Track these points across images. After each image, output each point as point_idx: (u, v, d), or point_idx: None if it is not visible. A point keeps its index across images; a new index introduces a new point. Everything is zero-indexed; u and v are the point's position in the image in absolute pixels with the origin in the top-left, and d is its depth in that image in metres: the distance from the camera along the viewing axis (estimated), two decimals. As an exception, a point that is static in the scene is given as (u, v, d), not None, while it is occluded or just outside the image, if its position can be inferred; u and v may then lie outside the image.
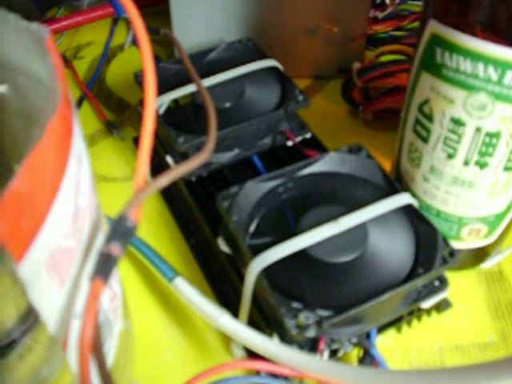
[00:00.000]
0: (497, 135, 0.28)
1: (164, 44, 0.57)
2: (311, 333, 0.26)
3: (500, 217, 0.32)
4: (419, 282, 0.28)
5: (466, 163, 0.29)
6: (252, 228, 0.31)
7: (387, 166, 0.35)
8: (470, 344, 0.33)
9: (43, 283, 0.17)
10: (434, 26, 0.27)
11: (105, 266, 0.18)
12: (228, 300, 0.34)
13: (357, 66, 0.45)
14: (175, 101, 0.38)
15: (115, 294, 0.26)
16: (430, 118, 0.29)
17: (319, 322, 0.26)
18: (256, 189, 0.32)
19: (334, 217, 0.29)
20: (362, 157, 0.33)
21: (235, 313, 0.30)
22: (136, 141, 0.45)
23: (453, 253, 0.28)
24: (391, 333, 0.33)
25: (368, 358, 0.29)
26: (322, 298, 0.27)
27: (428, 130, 0.30)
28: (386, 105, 0.45)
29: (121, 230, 0.18)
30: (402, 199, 0.31)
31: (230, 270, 0.33)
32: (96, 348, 0.18)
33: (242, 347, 0.31)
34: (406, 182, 0.34)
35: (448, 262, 0.28)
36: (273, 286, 0.27)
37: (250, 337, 0.27)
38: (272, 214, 0.32)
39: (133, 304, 0.31)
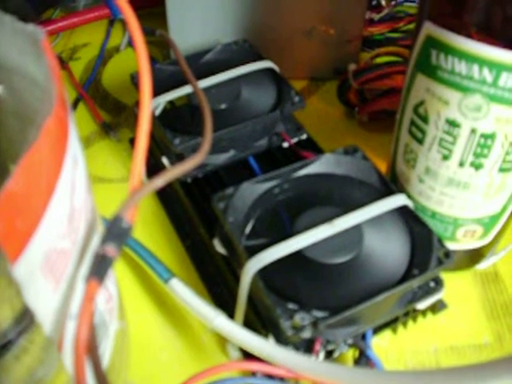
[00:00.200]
0: (492, 136, 0.28)
1: (160, 45, 0.57)
2: (307, 334, 0.26)
3: (495, 218, 0.32)
4: (414, 283, 0.28)
5: (461, 164, 0.29)
6: (248, 229, 0.31)
7: (383, 167, 0.35)
8: (466, 345, 0.33)
9: (38, 284, 0.17)
10: (430, 28, 0.27)
11: (100, 267, 0.18)
12: (224, 301, 0.34)
13: (352, 67, 0.45)
14: (171, 102, 0.38)
15: (111, 294, 0.26)
16: (425, 119, 0.30)
17: (315, 323, 0.26)
18: (252, 190, 0.32)
19: (329, 218, 0.29)
20: (357, 158, 0.33)
21: (231, 314, 0.30)
22: (132, 142, 0.45)
23: (448, 254, 0.28)
24: (387, 334, 0.33)
25: (363, 359, 0.29)
26: (317, 299, 0.27)
27: (423, 132, 0.30)
28: (382, 106, 0.45)
29: (116, 231, 0.18)
30: (398, 200, 0.31)
31: (225, 271, 0.33)
32: (91, 349, 0.18)
33: (237, 348, 0.31)
34: (401, 183, 0.34)
35: (443, 263, 0.28)
36: (268, 287, 0.27)
37: (245, 338, 0.27)
38: (268, 215, 0.32)
39: (128, 305, 0.31)
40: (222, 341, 0.32)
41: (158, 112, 0.37)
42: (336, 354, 0.30)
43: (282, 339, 0.28)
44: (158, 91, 0.38)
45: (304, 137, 0.39)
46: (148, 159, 0.39)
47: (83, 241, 0.20)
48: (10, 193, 0.15)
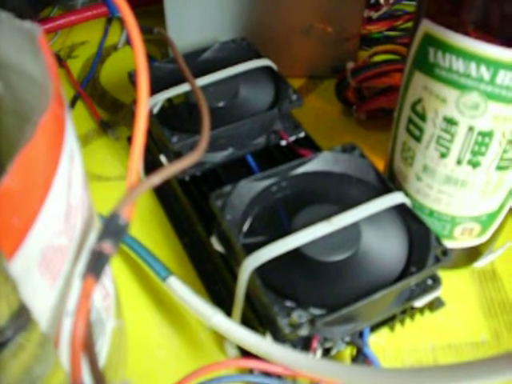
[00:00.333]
0: (489, 134, 0.28)
1: (158, 43, 0.57)
2: (304, 331, 0.26)
3: (493, 216, 0.32)
4: (412, 281, 0.28)
5: (459, 162, 0.29)
6: (245, 227, 0.31)
7: (380, 165, 0.35)
8: (463, 343, 0.33)
9: (35, 281, 0.17)
10: (427, 26, 0.27)
11: (97, 264, 0.18)
12: (221, 299, 0.34)
13: (351, 65, 0.45)
14: (169, 100, 0.38)
15: (108, 292, 0.26)
16: (422, 117, 0.30)
17: (312, 321, 0.26)
18: (249, 188, 0.32)
19: (327, 216, 0.29)
20: (355, 156, 0.33)
21: (228, 312, 0.30)
22: (130, 140, 0.45)
23: (446, 252, 0.28)
24: (384, 331, 0.33)
25: (361, 357, 0.29)
26: (315, 296, 0.27)
27: (421, 130, 0.30)
28: (380, 104, 0.45)
29: (113, 228, 0.18)
30: (395, 198, 0.31)
31: (223, 269, 0.33)
32: (88, 346, 0.18)
33: (235, 346, 0.31)
34: (399, 181, 0.34)
35: (441, 260, 0.28)
36: (266, 285, 0.27)
37: (243, 335, 0.27)
38: (265, 213, 0.32)
39: (126, 302, 0.31)
40: (220, 339, 0.32)
41: (155, 110, 0.37)
42: (333, 352, 0.30)
43: (279, 337, 0.28)
44: (155, 89, 0.38)
45: (302, 135, 0.39)
46: (146, 157, 0.39)
47: (80, 238, 0.20)
48: (7, 189, 0.15)
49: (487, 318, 0.34)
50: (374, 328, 0.31)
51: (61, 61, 0.54)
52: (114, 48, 0.57)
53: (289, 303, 0.27)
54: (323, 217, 0.29)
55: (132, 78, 0.40)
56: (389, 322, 0.32)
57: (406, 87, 0.30)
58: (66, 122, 0.19)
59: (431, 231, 0.29)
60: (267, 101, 0.39)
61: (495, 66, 0.25)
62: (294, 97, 0.38)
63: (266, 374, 0.29)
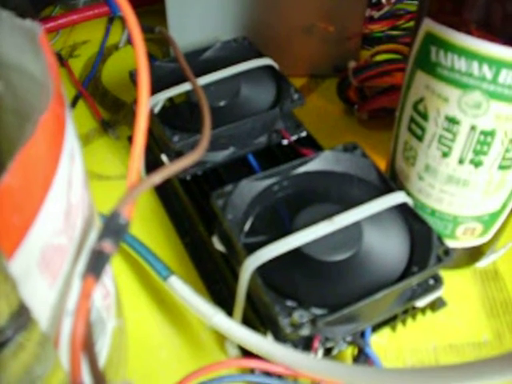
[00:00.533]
0: (491, 133, 0.28)
1: (159, 43, 0.57)
2: (305, 331, 0.26)
3: (495, 215, 0.32)
4: (414, 281, 0.28)
5: (461, 162, 0.29)
6: (247, 226, 0.31)
7: (382, 164, 0.35)
8: (465, 343, 0.33)
9: (35, 280, 0.17)
10: (429, 25, 0.27)
11: (97, 264, 0.18)
12: (222, 298, 0.34)
13: (352, 65, 0.45)
14: (170, 99, 0.38)
15: (108, 291, 0.25)
16: (424, 116, 0.29)
17: (313, 321, 0.26)
18: (251, 187, 0.32)
19: (328, 215, 0.29)
20: (356, 155, 0.33)
21: (229, 311, 0.30)
22: (131, 140, 0.45)
23: (447, 251, 0.28)
24: (386, 331, 0.33)
25: (362, 357, 0.29)
26: (316, 296, 0.27)
27: (423, 129, 0.30)
28: (382, 104, 0.45)
29: (113, 227, 0.18)
30: (397, 198, 0.31)
31: (224, 269, 0.33)
32: (88, 346, 0.17)
33: (236, 346, 0.31)
34: (400, 180, 0.34)
35: (443, 260, 0.28)
36: (267, 285, 0.27)
37: (244, 335, 0.27)
38: (267, 213, 0.31)
39: (126, 302, 0.31)
40: (221, 338, 0.32)
41: (157, 109, 0.37)
42: (335, 352, 0.29)
43: (280, 337, 0.28)
44: (157, 88, 0.38)
45: (303, 134, 0.39)
46: (147, 157, 0.39)
47: (80, 237, 0.20)
48: (7, 187, 0.15)
49: (489, 318, 0.34)
50: (376, 328, 0.31)
51: (62, 60, 0.54)
52: (116, 47, 0.57)
53: (290, 303, 0.27)
54: (325, 216, 0.29)
55: (133, 77, 0.40)
56: (390, 321, 0.32)
57: (408, 86, 0.30)
58: (67, 120, 0.19)
59: (433, 231, 0.29)
60: (269, 100, 0.39)
61: (497, 64, 0.25)
62: (296, 96, 0.38)
63: (267, 374, 0.29)
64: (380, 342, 0.33)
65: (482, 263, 0.36)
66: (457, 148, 0.29)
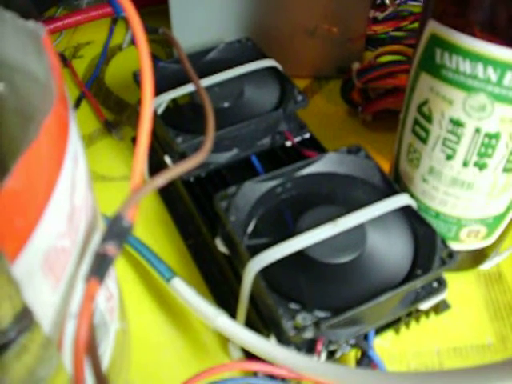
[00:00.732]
0: (496, 136, 0.27)
1: (163, 43, 0.57)
2: (309, 334, 0.26)
3: (499, 218, 0.32)
4: (417, 284, 0.28)
5: (465, 164, 0.29)
6: (250, 228, 0.31)
7: (386, 166, 0.35)
8: (469, 346, 0.33)
9: (38, 283, 0.17)
10: (434, 27, 0.27)
11: (100, 266, 0.18)
12: (225, 301, 0.34)
13: (356, 66, 0.44)
14: (174, 100, 0.38)
15: (111, 294, 0.25)
16: (429, 118, 0.29)
17: (317, 324, 0.26)
18: (254, 189, 0.32)
19: (332, 217, 0.29)
20: (360, 157, 0.33)
21: (233, 313, 0.30)
22: (134, 141, 0.45)
23: (451, 254, 0.28)
24: (389, 334, 0.33)
25: (366, 360, 0.29)
26: (319, 299, 0.27)
27: (427, 131, 0.30)
28: (385, 105, 0.44)
29: (117, 230, 0.18)
30: (401, 200, 0.30)
31: (227, 271, 0.33)
32: (91, 348, 0.17)
33: (239, 348, 0.31)
34: (404, 182, 0.33)
35: (446, 263, 0.28)
36: (270, 287, 0.27)
37: (247, 338, 0.27)
38: (270, 215, 0.31)
39: (130, 304, 0.31)
40: (224, 341, 0.32)
41: (160, 110, 0.37)
42: (338, 355, 0.29)
43: (283, 339, 0.28)
44: (160, 89, 0.38)
45: (307, 136, 0.39)
46: (151, 158, 0.39)
47: (83, 239, 0.20)
48: (10, 190, 0.15)
49: (493, 320, 0.34)
50: (379, 331, 0.31)
51: (66, 61, 0.54)
52: (119, 48, 0.57)
53: (293, 305, 0.27)
54: (328, 218, 0.29)
55: (137, 78, 0.40)
56: (394, 324, 0.32)
57: (412, 88, 0.30)
58: (70, 122, 0.19)
59: (437, 233, 0.29)
60: (272, 101, 0.39)
61: (502, 67, 0.25)
62: (300, 97, 0.38)
63: (271, 377, 0.29)
64: (383, 345, 0.32)
65: (486, 266, 0.36)
66: (461, 150, 0.29)
